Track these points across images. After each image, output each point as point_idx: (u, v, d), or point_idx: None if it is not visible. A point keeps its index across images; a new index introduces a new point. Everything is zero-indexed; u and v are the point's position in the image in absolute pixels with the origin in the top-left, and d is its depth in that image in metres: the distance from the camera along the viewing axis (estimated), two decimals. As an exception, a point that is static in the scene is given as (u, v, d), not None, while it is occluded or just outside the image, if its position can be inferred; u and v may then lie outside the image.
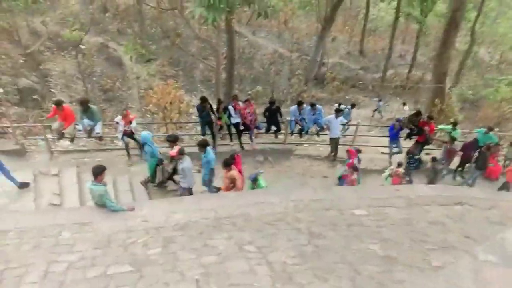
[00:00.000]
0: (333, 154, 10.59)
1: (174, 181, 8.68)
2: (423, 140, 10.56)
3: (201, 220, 6.00)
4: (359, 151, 9.26)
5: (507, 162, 11.03)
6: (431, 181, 9.05)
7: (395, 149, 10.73)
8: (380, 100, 19.34)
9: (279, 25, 29.59)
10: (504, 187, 9.85)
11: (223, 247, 5.09)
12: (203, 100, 9.87)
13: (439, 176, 9.31)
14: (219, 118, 9.97)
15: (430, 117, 11.05)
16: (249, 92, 21.65)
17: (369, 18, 30.67)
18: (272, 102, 10.54)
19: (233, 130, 10.36)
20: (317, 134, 11.20)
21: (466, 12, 24.42)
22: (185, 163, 7.48)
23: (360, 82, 24.43)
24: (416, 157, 9.70)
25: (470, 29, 24.58)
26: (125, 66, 19.89)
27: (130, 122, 9.40)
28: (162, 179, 8.68)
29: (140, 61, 20.45)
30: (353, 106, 14.68)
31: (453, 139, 10.33)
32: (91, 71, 18.39)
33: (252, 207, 6.56)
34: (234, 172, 7.50)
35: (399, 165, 8.92)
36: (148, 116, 16.03)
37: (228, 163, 7.53)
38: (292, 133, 11.01)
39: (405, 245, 5.60)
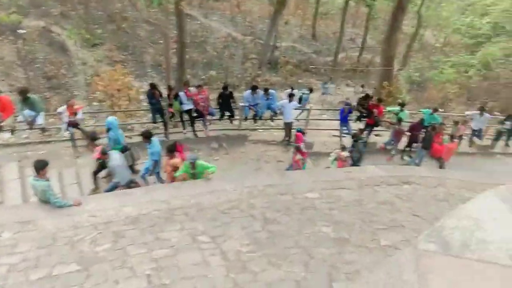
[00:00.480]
0: (287, 138, 10.65)
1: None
2: (372, 123, 10.88)
3: (153, 212, 5.83)
4: (303, 133, 9.41)
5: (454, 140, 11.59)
6: (357, 162, 9.26)
7: (344, 132, 10.98)
8: (326, 83, 19.48)
9: (232, 8, 29.19)
10: (440, 164, 10.37)
11: (175, 240, 4.97)
12: (152, 86, 9.53)
13: (363, 155, 9.50)
14: (170, 105, 9.68)
15: (379, 100, 11.37)
16: (203, 77, 21.22)
17: (321, 2, 30.95)
18: (225, 87, 10.38)
19: (186, 117, 10.10)
20: (271, 119, 11.22)
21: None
22: (113, 160, 6.99)
23: (312, 66, 24.64)
24: (361, 140, 9.92)
25: (417, 13, 25.45)
26: (70, 52, 18.77)
27: (76, 113, 8.88)
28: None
29: (86, 46, 19.39)
30: (311, 90, 14.86)
31: (399, 120, 10.71)
32: (32, 57, 17.20)
33: (206, 196, 6.46)
34: (177, 160, 7.27)
35: (343, 148, 9.10)
36: (96, 104, 15.30)
37: (171, 149, 7.30)
38: (246, 118, 10.94)
39: (355, 226, 5.75)
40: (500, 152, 12.11)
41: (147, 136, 7.59)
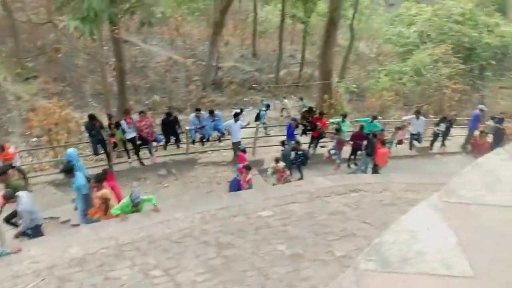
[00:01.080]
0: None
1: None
2: (317, 135, 11.18)
3: (101, 251, 5.52)
4: (243, 151, 9.44)
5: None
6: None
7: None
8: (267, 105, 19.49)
9: (171, 31, 29.08)
10: (374, 169, 10.68)
11: (126, 277, 4.73)
12: (91, 117, 9.18)
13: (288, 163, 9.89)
14: (112, 135, 9.34)
15: (321, 113, 11.72)
16: (146, 102, 20.86)
17: (258, 21, 31.72)
18: (168, 114, 10.22)
19: (130, 145, 9.78)
20: (219, 140, 11.17)
21: (344, 11, 26.63)
22: (20, 205, 6.33)
23: (254, 85, 25.06)
24: (300, 152, 10.11)
25: (349, 26, 26.79)
26: (1, 87, 17.71)
27: (11, 159, 8.17)
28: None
29: (18, 80, 18.38)
30: (268, 107, 14.99)
31: (337, 130, 11.14)
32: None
33: (157, 226, 6.25)
34: (105, 191, 6.84)
35: (277, 160, 9.22)
36: (34, 140, 14.46)
37: (99, 179, 6.92)
38: (193, 142, 10.81)
39: (309, 239, 5.80)
40: (438, 152, 12.86)
41: (67, 170, 7.18)
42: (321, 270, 4.89)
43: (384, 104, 17.37)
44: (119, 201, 7.02)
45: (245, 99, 23.66)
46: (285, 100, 19.01)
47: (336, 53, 32.79)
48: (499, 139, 12.68)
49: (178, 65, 25.36)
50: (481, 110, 12.69)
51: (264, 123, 14.60)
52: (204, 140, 10.75)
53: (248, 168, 8.49)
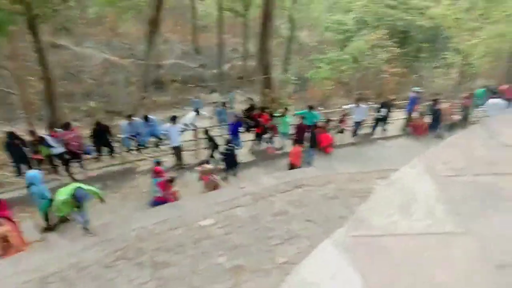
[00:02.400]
0: (179, 162, 10.17)
1: None
2: (261, 131, 10.95)
3: (21, 286, 4.94)
4: (159, 163, 8.59)
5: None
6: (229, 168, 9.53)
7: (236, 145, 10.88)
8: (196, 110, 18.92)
9: (106, 31, 27.67)
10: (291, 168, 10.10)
11: (46, 317, 4.22)
12: (10, 135, 8.32)
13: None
14: (36, 152, 8.54)
15: (262, 108, 11.48)
16: (83, 109, 19.67)
17: (199, 15, 31.00)
18: (98, 123, 9.51)
19: (59, 161, 9.00)
20: (157, 145, 10.62)
21: (281, 1, 26.59)
22: None
23: (200, 82, 24.50)
24: (229, 148, 9.85)
25: (289, 17, 26.79)
26: None
27: None
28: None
29: None
30: (197, 111, 14.38)
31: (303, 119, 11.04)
32: None
33: (88, 250, 5.73)
34: (3, 229, 5.97)
35: (203, 162, 8.83)
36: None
37: None
38: (129, 150, 10.18)
39: (252, 248, 5.54)
40: (380, 137, 13.10)
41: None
42: (262, 282, 4.64)
43: (326, 93, 17.47)
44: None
45: (190, 97, 22.98)
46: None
47: (279, 44, 32.96)
48: (437, 119, 13.15)
49: (116, 67, 24.21)
50: (417, 93, 13.03)
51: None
52: (141, 147, 10.16)
53: (172, 180, 7.96)
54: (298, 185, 8.24)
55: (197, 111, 12.25)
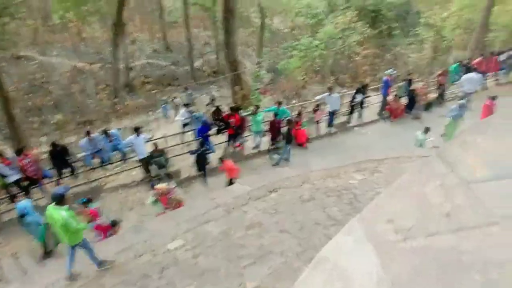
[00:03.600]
0: (148, 175, 9.66)
1: None
2: (233, 132, 10.48)
3: None
4: (90, 201, 7.54)
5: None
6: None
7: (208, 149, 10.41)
8: (166, 103, 18.39)
9: (72, 37, 26.72)
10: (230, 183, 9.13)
11: None
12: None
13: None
14: (-11, 182, 7.96)
15: (233, 108, 11.00)
16: (53, 121, 18.90)
17: (167, 11, 30.19)
18: (54, 144, 8.89)
19: (16, 189, 8.39)
20: (123, 160, 10.06)
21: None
22: None
23: (165, 84, 23.92)
24: (157, 156, 9.40)
25: (258, 4, 26.15)
26: None
27: None
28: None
29: None
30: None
31: (275, 115, 10.68)
32: None
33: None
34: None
35: (153, 186, 8.00)
36: None
37: None
38: (92, 168, 9.61)
39: (221, 271, 5.17)
40: (356, 124, 12.77)
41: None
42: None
43: (299, 84, 16.96)
44: None
45: (164, 97, 22.22)
46: (177, 99, 17.98)
47: (252, 33, 32.27)
48: (412, 100, 12.87)
49: (84, 73, 23.34)
50: (389, 75, 12.70)
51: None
52: (105, 164, 9.61)
53: (115, 224, 7.21)
54: (272, 189, 7.87)
55: (187, 105, 11.71)
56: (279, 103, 11.06)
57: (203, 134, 9.99)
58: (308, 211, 6.75)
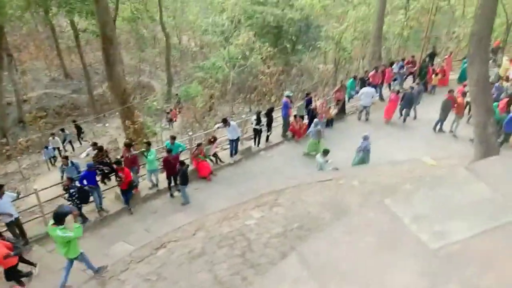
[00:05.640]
0: (23, 237, 8.22)
1: None
2: (127, 187, 9.27)
3: None
4: None
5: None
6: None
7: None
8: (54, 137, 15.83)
9: None
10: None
11: None
12: None
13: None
14: None
15: (126, 145, 9.95)
16: None
17: (61, 36, 28.03)
18: None
19: None
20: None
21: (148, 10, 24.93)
22: None
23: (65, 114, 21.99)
24: (72, 190, 8.35)
25: (161, 24, 25.23)
26: None
27: None
28: None
29: None
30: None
31: (168, 152, 9.69)
32: None
33: None
34: None
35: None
36: None
37: None
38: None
39: None
40: (262, 148, 12.38)
41: None
42: None
43: (200, 112, 15.98)
44: None
45: (67, 130, 19.90)
46: (56, 138, 15.84)
47: (160, 54, 31.07)
48: (313, 118, 12.79)
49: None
50: (288, 97, 12.56)
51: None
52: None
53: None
54: (160, 245, 7.01)
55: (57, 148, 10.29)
56: (173, 138, 10.22)
57: (89, 179, 8.81)
58: (195, 273, 5.97)
